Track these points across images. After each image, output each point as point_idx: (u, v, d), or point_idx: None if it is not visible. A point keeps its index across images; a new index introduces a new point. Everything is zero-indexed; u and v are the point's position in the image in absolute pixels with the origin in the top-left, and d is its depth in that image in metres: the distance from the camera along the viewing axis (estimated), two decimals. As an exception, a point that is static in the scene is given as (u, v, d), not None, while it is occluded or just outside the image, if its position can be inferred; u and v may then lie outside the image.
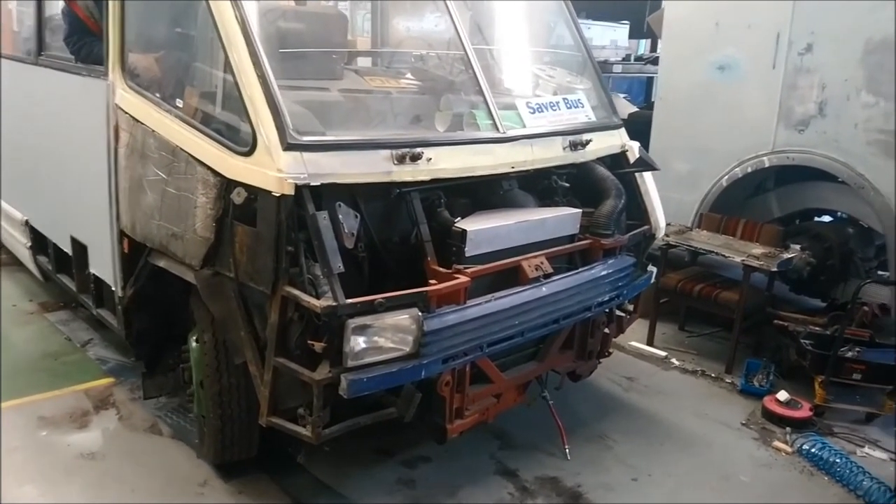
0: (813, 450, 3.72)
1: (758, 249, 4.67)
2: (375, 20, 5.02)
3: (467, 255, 2.90)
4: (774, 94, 4.92)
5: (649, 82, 9.43)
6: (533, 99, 3.53)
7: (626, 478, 3.51)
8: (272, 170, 2.55)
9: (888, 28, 4.35)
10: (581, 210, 3.41)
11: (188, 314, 3.28)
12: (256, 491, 3.25)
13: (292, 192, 2.52)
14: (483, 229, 2.96)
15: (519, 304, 2.96)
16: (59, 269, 4.47)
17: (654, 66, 7.84)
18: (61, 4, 3.89)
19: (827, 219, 5.55)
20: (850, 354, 4.09)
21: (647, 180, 3.84)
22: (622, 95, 9.34)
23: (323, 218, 2.55)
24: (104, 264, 3.64)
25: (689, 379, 4.59)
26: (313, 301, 2.47)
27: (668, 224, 4.29)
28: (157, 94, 3.16)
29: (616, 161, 3.79)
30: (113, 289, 3.62)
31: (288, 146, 2.57)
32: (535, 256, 3.10)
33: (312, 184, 2.57)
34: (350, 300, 2.49)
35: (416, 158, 2.81)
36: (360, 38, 5.12)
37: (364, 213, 2.79)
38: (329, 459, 3.37)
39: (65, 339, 4.61)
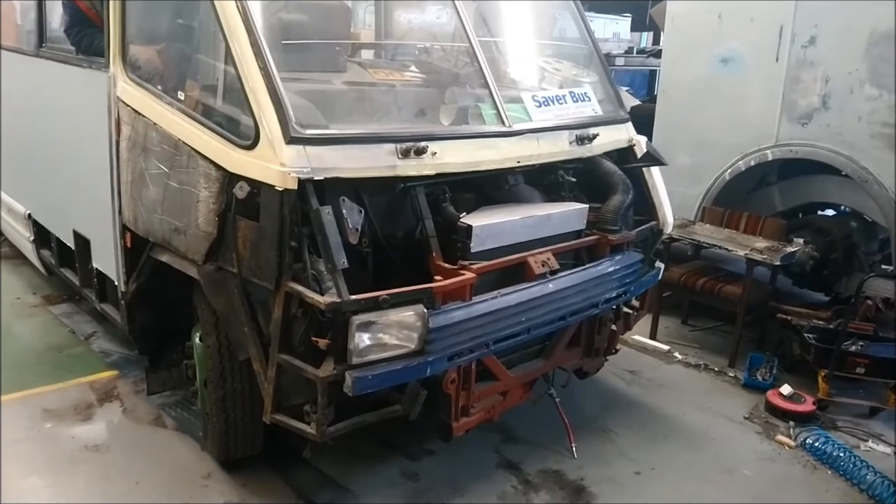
0: (816, 444, 3.71)
1: (761, 243, 4.67)
2: (379, 12, 4.97)
3: (473, 250, 2.86)
4: (777, 87, 4.92)
5: (652, 75, 9.39)
6: (539, 92, 3.49)
7: (628, 471, 3.50)
8: (275, 164, 2.52)
9: (891, 20, 4.33)
10: (588, 205, 3.36)
11: (191, 309, 3.25)
12: (260, 483, 3.25)
13: (295, 187, 2.49)
14: (489, 224, 2.92)
15: (525, 300, 2.92)
16: (62, 263, 4.46)
17: (656, 59, 7.84)
18: (62, -4, 3.85)
19: (830, 212, 5.54)
20: (853, 348, 4.09)
21: (655, 175, 3.79)
22: (624, 89, 9.28)
23: (327, 213, 2.51)
24: (107, 259, 3.62)
25: (693, 373, 4.59)
26: (317, 297, 2.44)
27: (671, 218, 4.27)
28: (159, 87, 3.13)
29: (623, 155, 3.74)
30: (116, 284, 3.60)
31: (291, 140, 2.54)
32: (542, 252, 3.06)
33: (316, 178, 2.54)
34: (354, 296, 2.46)
35: (420, 152, 2.78)
36: (364, 30, 5.08)
37: (368, 207, 2.76)
38: (332, 452, 3.35)
39: (69, 331, 4.62)
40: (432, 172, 2.86)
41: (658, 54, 7.31)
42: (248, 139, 2.63)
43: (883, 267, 4.87)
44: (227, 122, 2.80)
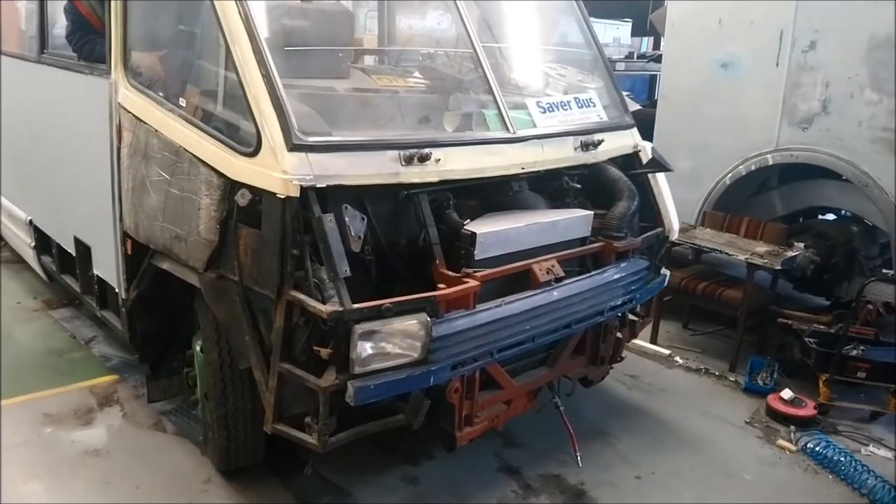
0: (817, 448, 3.71)
1: (761, 248, 4.67)
2: (382, 17, 4.95)
3: (477, 258, 2.83)
4: (778, 91, 4.91)
5: (652, 80, 9.41)
6: (544, 98, 3.46)
7: (629, 476, 3.49)
8: (277, 171, 2.50)
9: (891, 25, 4.32)
10: (593, 212, 3.33)
11: (192, 317, 3.23)
12: (260, 488, 3.24)
13: (297, 194, 2.46)
14: (493, 232, 2.89)
15: (529, 308, 2.89)
16: (63, 269, 4.44)
17: (656, 63, 7.85)
18: (64, 2, 3.83)
19: (831, 217, 5.53)
20: (854, 353, 4.08)
21: (660, 181, 3.76)
22: (625, 93, 9.28)
23: (329, 220, 2.48)
24: (108, 266, 3.60)
25: (693, 377, 4.59)
26: (319, 306, 2.42)
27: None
28: (160, 93, 3.11)
29: (628, 161, 3.71)
30: (116, 291, 3.58)
31: (293, 147, 2.52)
32: (546, 259, 3.03)
33: (318, 185, 2.51)
34: (357, 305, 2.43)
35: (424, 159, 2.75)
36: (367, 35, 5.06)
37: (371, 215, 2.73)
38: (333, 457, 3.34)
39: (69, 336, 4.62)
40: (436, 179, 2.83)
41: (658, 59, 7.32)
42: (250, 146, 2.61)
43: (884, 271, 4.86)
44: (228, 129, 2.78)
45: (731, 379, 4.52)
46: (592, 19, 4.06)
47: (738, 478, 3.54)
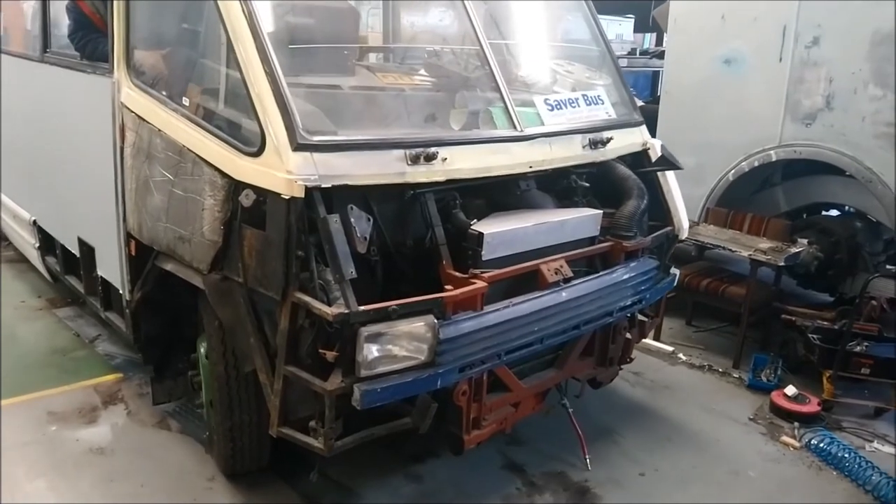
0: (821, 444, 3.71)
1: (765, 244, 4.68)
2: (387, 14, 4.91)
3: (484, 258, 2.79)
4: (781, 87, 4.91)
5: (655, 76, 9.37)
6: (551, 95, 3.42)
7: (633, 472, 3.49)
8: (281, 171, 2.46)
9: (893, 20, 4.30)
10: (602, 211, 3.29)
11: (197, 319, 3.20)
12: (264, 486, 3.25)
13: (302, 195, 2.43)
14: (500, 232, 2.85)
15: (538, 309, 2.85)
16: (67, 270, 4.42)
17: (659, 60, 7.84)
18: (66, 1, 3.80)
19: (834, 213, 5.53)
20: (858, 349, 4.10)
21: (670, 179, 3.72)
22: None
23: (334, 221, 2.45)
24: (111, 267, 3.58)
25: (697, 374, 4.59)
26: (324, 308, 2.38)
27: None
28: (164, 93, 3.08)
29: (637, 159, 3.67)
30: (120, 292, 3.55)
31: (298, 146, 2.48)
32: (555, 260, 2.99)
33: (323, 186, 2.48)
34: (363, 307, 2.39)
35: (430, 158, 2.72)
36: (372, 33, 5.02)
37: (377, 215, 2.70)
38: (337, 455, 3.33)
39: (73, 335, 4.63)
40: (442, 179, 2.79)
41: (661, 55, 7.31)
42: (254, 146, 2.58)
43: (888, 267, 4.87)
44: (232, 129, 2.75)
45: (734, 375, 4.52)
46: (596, 15, 4.01)
47: (742, 475, 3.53)
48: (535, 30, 4.08)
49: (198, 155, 2.79)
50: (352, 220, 2.51)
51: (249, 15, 2.62)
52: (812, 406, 4.00)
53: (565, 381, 3.44)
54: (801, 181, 5.28)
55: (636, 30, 12.67)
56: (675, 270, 3.80)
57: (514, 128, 3.08)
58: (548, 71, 3.80)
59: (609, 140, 3.41)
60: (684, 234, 3.75)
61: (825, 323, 4.41)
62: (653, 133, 5.20)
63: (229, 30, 2.67)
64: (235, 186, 2.62)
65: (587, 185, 3.41)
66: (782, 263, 4.46)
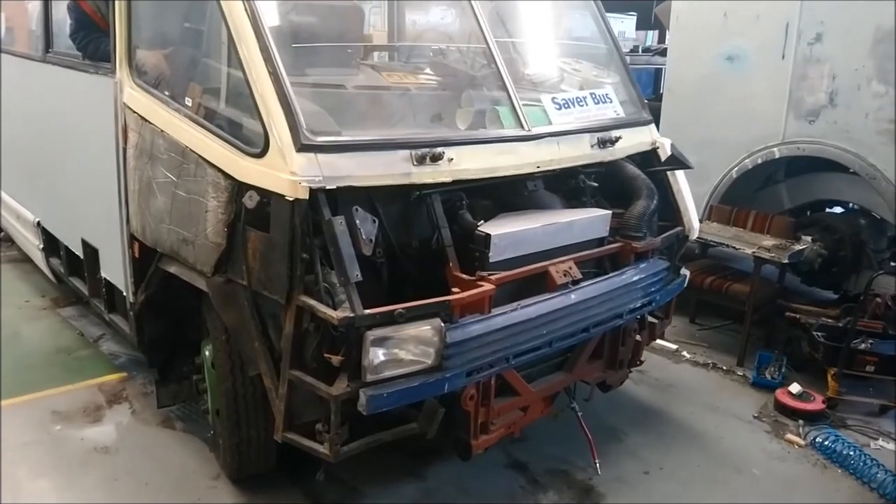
0: (826, 442, 3.70)
1: (768, 241, 4.68)
2: (392, 12, 4.87)
3: (492, 260, 2.75)
4: (784, 84, 4.88)
5: (657, 74, 9.31)
6: (559, 94, 3.37)
7: (637, 471, 3.48)
8: (285, 172, 2.43)
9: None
10: (611, 211, 3.25)
11: (201, 322, 3.17)
12: (268, 484, 3.24)
13: (307, 197, 2.39)
14: (508, 233, 2.81)
15: (546, 312, 2.80)
16: (71, 271, 4.40)
17: (661, 57, 7.80)
18: (68, 0, 3.77)
19: (838, 210, 5.49)
20: (862, 346, 4.09)
21: (680, 178, 3.67)
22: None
23: (339, 223, 2.41)
24: (115, 268, 3.55)
25: (701, 372, 4.58)
26: (329, 311, 2.34)
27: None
28: (166, 93, 3.05)
29: (646, 158, 3.61)
30: (124, 294, 3.52)
31: (302, 147, 2.45)
32: (563, 261, 2.94)
33: (328, 187, 2.44)
34: (368, 311, 2.35)
35: (436, 159, 2.67)
36: (375, 32, 4.98)
37: (382, 217, 2.67)
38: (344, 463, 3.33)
39: (77, 334, 4.63)
40: (449, 179, 2.75)
41: (663, 52, 7.30)
42: (258, 147, 2.54)
43: (892, 264, 4.84)
44: (235, 129, 2.72)
45: (738, 373, 4.51)
46: (599, 13, 3.96)
47: (746, 473, 3.52)
48: (542, 28, 4.03)
49: (200, 156, 2.76)
50: (357, 221, 2.47)
51: (252, 14, 2.58)
52: (816, 404, 3.99)
53: (574, 385, 3.39)
54: (804, 178, 5.26)
55: (638, 27, 12.66)
56: (685, 271, 3.75)
57: (522, 127, 3.03)
58: (555, 69, 3.76)
59: (618, 139, 3.36)
60: (695, 235, 3.70)
61: (829, 320, 4.40)
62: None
63: (232, 29, 2.63)
64: (239, 188, 2.59)
65: (596, 185, 3.37)
66: (786, 261, 4.45)
